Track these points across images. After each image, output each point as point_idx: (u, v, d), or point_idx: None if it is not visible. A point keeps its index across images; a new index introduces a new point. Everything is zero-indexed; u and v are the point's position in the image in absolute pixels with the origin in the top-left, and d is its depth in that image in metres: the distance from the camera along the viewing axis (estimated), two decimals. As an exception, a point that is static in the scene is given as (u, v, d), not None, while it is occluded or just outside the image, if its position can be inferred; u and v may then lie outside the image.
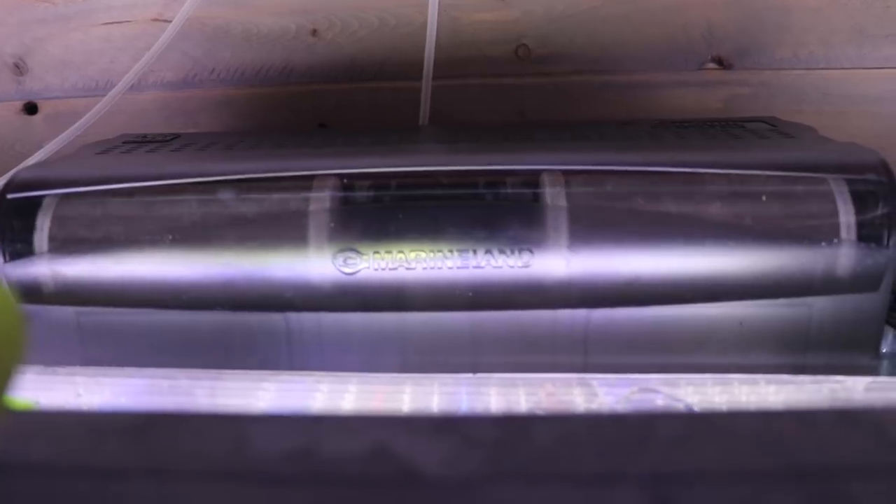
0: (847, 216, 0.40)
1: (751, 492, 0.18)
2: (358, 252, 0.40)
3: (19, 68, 0.71)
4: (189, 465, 0.18)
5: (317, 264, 0.40)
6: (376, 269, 0.40)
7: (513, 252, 0.39)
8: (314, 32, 0.68)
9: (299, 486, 0.17)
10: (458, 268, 0.39)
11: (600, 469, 0.18)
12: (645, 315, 0.41)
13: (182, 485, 0.17)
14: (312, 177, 0.41)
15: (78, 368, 0.39)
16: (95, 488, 0.17)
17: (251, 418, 0.19)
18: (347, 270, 0.40)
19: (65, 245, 0.41)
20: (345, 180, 0.41)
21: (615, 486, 0.18)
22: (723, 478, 0.18)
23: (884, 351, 0.45)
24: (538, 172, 0.41)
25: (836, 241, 0.39)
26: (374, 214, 0.40)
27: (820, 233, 0.40)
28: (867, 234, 0.39)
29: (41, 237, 0.41)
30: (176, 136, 0.55)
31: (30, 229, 0.41)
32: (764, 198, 0.40)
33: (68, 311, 0.42)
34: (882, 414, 0.20)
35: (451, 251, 0.39)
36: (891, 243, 0.39)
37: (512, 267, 0.39)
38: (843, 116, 0.66)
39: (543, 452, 0.19)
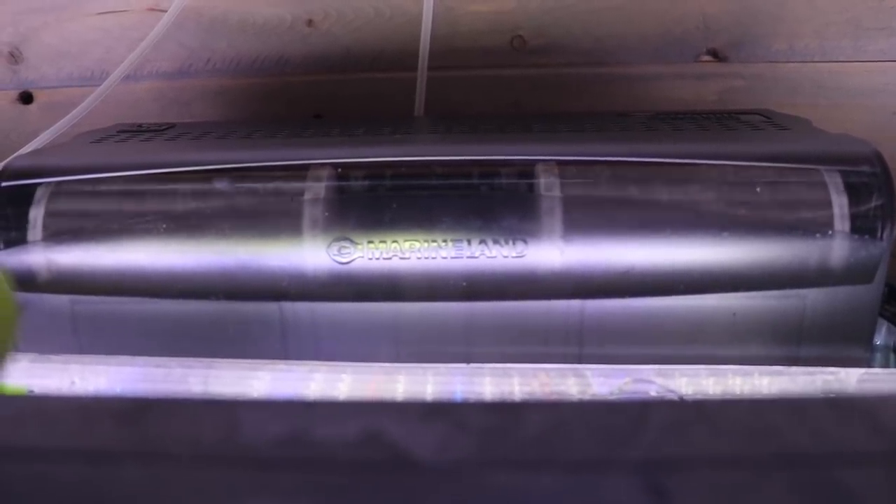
0: (841, 208, 0.40)
1: (741, 478, 0.18)
2: (352, 241, 0.39)
3: (14, 57, 0.71)
4: (180, 450, 0.18)
5: (311, 254, 0.40)
6: (370, 259, 0.40)
7: (507, 242, 0.39)
8: (310, 22, 0.68)
9: (289, 470, 0.17)
10: (453, 258, 0.39)
11: (592, 456, 0.18)
12: (639, 306, 0.41)
13: (173, 469, 0.17)
14: (307, 166, 0.41)
15: (72, 357, 0.39)
16: (87, 472, 0.17)
17: (242, 404, 0.19)
18: (342, 260, 0.40)
19: (59, 233, 0.41)
20: (339, 170, 0.41)
21: (606, 472, 0.18)
22: (713, 465, 0.18)
23: (877, 343, 0.45)
24: (533, 163, 0.41)
25: (829, 232, 0.39)
26: (368, 204, 0.40)
27: (814, 224, 0.40)
28: (861, 226, 0.39)
29: (35, 225, 0.41)
30: (171, 126, 0.55)
31: (24, 217, 0.41)
32: (758, 189, 0.40)
33: (63, 300, 0.42)
34: (871, 402, 0.20)
35: (445, 241, 0.39)
36: (885, 235, 0.39)
37: (506, 257, 0.39)
38: (837, 109, 0.66)
39: (535, 439, 0.19)
